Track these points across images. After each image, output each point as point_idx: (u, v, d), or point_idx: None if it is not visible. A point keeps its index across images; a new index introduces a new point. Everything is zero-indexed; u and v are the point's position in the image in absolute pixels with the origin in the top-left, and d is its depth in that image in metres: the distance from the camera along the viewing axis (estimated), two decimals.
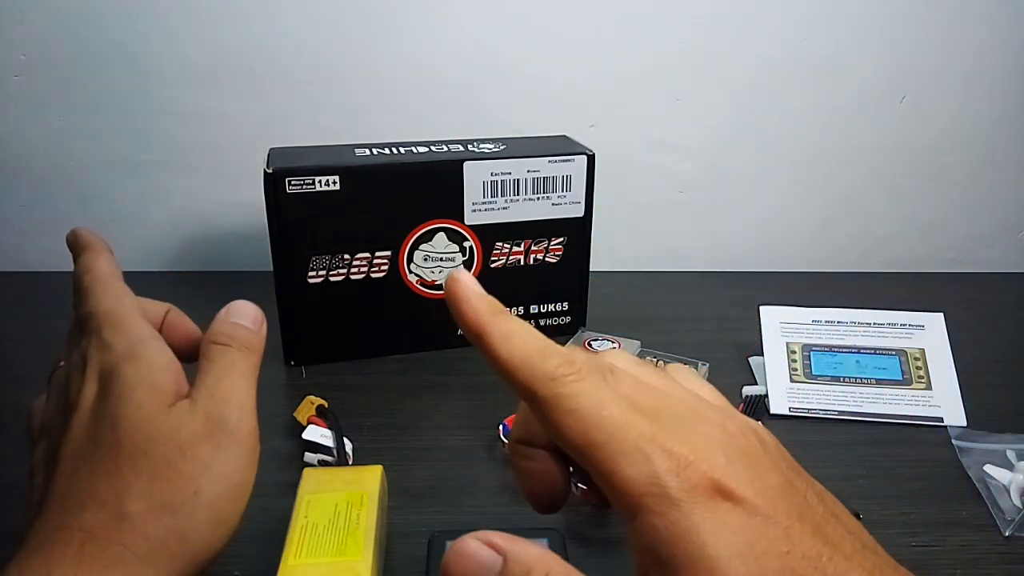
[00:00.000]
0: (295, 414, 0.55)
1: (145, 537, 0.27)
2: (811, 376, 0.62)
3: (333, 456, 0.50)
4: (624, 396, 0.25)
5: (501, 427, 0.54)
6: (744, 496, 0.23)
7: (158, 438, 0.29)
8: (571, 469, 0.50)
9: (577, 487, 0.49)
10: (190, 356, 0.34)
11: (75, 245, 0.36)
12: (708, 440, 0.24)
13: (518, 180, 0.64)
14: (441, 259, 0.65)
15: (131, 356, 0.30)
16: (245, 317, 0.34)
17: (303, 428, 0.52)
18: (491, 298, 0.27)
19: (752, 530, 0.22)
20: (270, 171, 0.58)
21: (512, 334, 0.26)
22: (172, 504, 0.28)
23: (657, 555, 0.22)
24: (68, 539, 0.27)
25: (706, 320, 0.74)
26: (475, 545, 0.24)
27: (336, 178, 0.60)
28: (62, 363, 0.34)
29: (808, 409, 0.60)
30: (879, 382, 0.61)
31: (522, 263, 0.67)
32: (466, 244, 0.65)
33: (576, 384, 0.25)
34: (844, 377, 0.62)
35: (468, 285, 0.27)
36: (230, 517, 0.30)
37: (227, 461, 0.30)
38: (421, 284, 0.65)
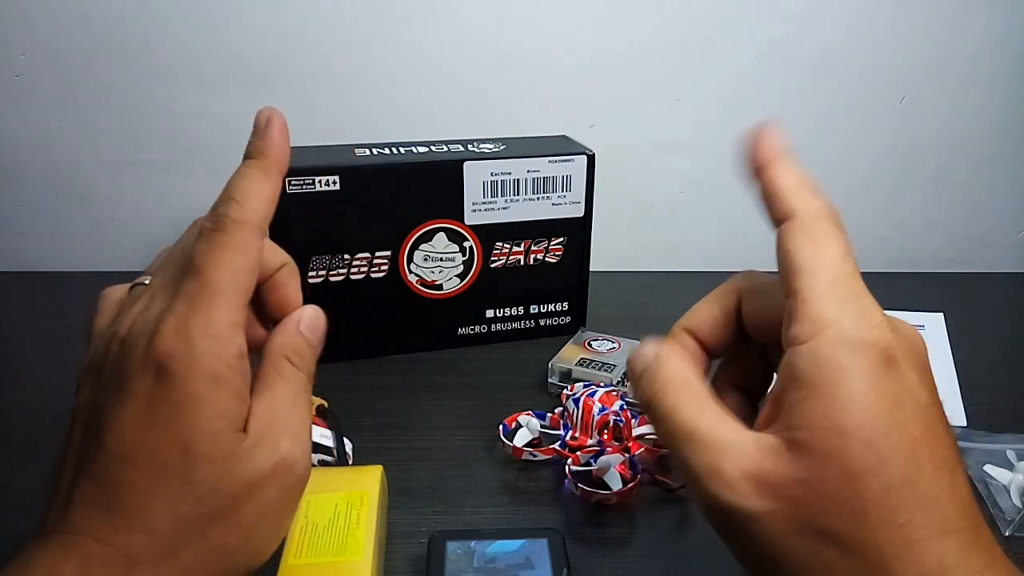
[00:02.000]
0: None
1: (188, 574, 0.26)
2: None
3: (333, 456, 0.50)
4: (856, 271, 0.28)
5: (501, 427, 0.54)
6: (909, 375, 0.26)
7: (231, 476, 0.26)
8: (569, 473, 0.50)
9: (578, 487, 0.49)
10: (259, 340, 0.31)
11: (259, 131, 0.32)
12: (901, 334, 0.27)
13: (518, 180, 0.64)
14: (441, 259, 0.65)
15: (208, 370, 0.26)
16: (316, 332, 0.31)
17: None
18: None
19: (904, 396, 0.25)
20: None
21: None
22: (226, 548, 0.26)
23: (804, 377, 0.25)
24: (111, 559, 0.25)
25: None
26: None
27: (336, 178, 0.60)
28: (148, 280, 0.30)
29: None
30: None
31: (522, 263, 0.67)
32: (466, 244, 0.65)
33: (832, 225, 0.29)
34: None
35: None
36: (264, 556, 0.28)
37: (284, 504, 0.28)
38: (421, 284, 0.65)
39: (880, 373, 0.25)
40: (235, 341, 0.27)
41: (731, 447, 0.26)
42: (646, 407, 0.30)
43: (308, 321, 0.31)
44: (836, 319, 0.26)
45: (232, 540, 0.26)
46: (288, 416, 0.28)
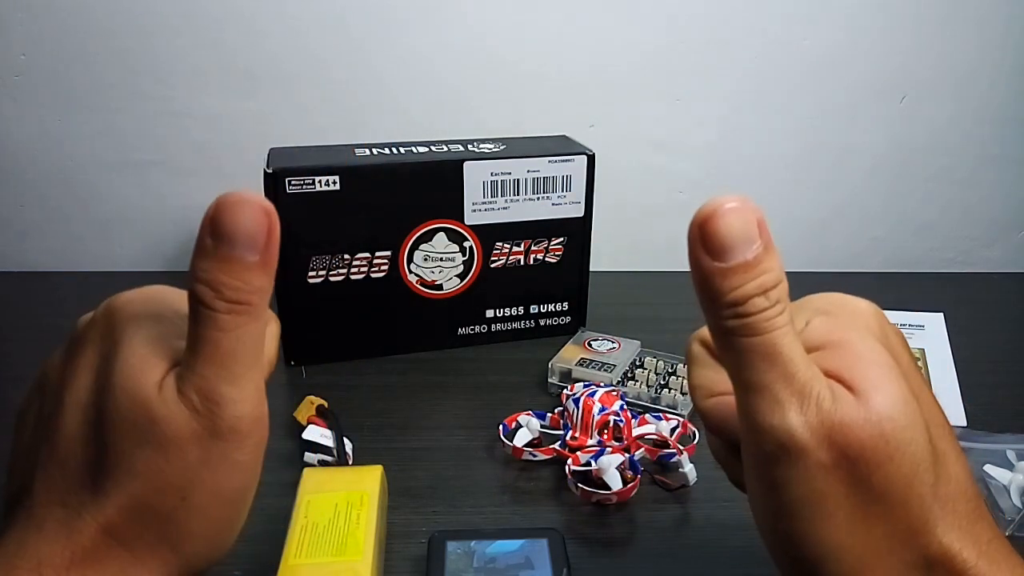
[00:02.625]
0: (295, 414, 0.55)
1: (130, 545, 0.26)
2: None
3: (333, 456, 0.50)
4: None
5: (501, 427, 0.54)
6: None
7: (141, 435, 0.25)
8: (569, 473, 0.50)
9: (578, 487, 0.49)
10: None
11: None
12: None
13: (518, 180, 0.64)
14: (441, 259, 0.65)
15: (128, 316, 0.27)
16: (244, 245, 0.25)
17: (303, 428, 0.52)
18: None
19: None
20: (270, 171, 0.58)
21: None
22: (158, 511, 0.26)
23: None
24: (55, 534, 0.25)
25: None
26: None
27: (336, 178, 0.60)
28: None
29: None
30: None
31: (522, 263, 0.67)
32: (466, 244, 0.65)
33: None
34: None
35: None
36: (229, 524, 0.28)
37: (220, 465, 0.26)
38: (421, 284, 0.65)
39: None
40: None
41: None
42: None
43: (216, 227, 0.25)
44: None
45: (166, 504, 0.26)
46: (206, 367, 0.26)
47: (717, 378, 0.30)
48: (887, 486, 0.25)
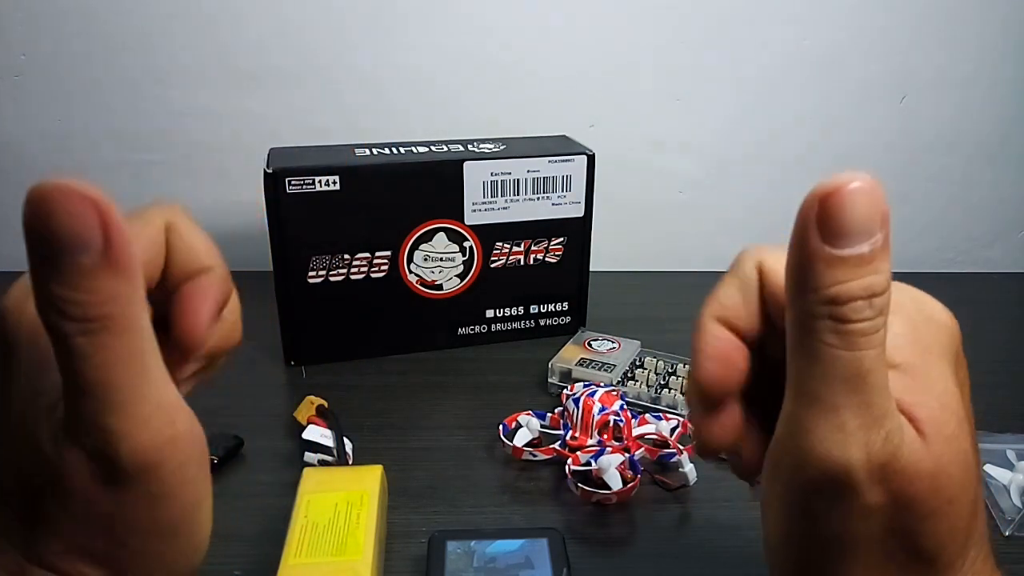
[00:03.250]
0: (295, 414, 0.55)
1: None
2: None
3: (333, 456, 0.50)
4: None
5: (501, 427, 0.54)
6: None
7: (50, 489, 0.22)
8: (569, 473, 0.50)
9: (578, 487, 0.49)
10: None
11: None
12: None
13: (518, 180, 0.64)
14: (441, 259, 0.65)
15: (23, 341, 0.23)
16: (71, 247, 0.19)
17: (303, 428, 0.52)
18: None
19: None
20: (270, 171, 0.58)
21: None
22: (94, 555, 0.23)
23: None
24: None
25: None
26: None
27: (336, 178, 0.59)
28: None
29: None
30: None
31: (522, 263, 0.67)
32: (466, 244, 0.65)
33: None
34: None
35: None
36: (184, 551, 0.24)
37: (139, 504, 0.22)
38: (421, 284, 0.65)
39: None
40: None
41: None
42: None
43: (43, 218, 0.20)
44: None
45: (99, 546, 0.23)
46: (81, 400, 0.21)
47: (742, 304, 0.26)
48: (928, 538, 0.23)
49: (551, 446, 0.53)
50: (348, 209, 0.61)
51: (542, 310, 0.70)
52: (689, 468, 0.50)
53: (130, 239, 0.20)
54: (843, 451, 0.21)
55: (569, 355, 0.63)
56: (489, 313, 0.68)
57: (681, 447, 0.51)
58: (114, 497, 0.22)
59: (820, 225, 0.21)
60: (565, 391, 0.57)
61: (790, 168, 0.85)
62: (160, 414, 0.22)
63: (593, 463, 0.49)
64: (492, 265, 0.66)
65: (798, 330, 0.22)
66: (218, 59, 0.76)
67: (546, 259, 0.68)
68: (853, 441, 0.21)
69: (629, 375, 0.62)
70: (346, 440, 0.52)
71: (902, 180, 0.87)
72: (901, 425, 0.22)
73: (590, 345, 0.65)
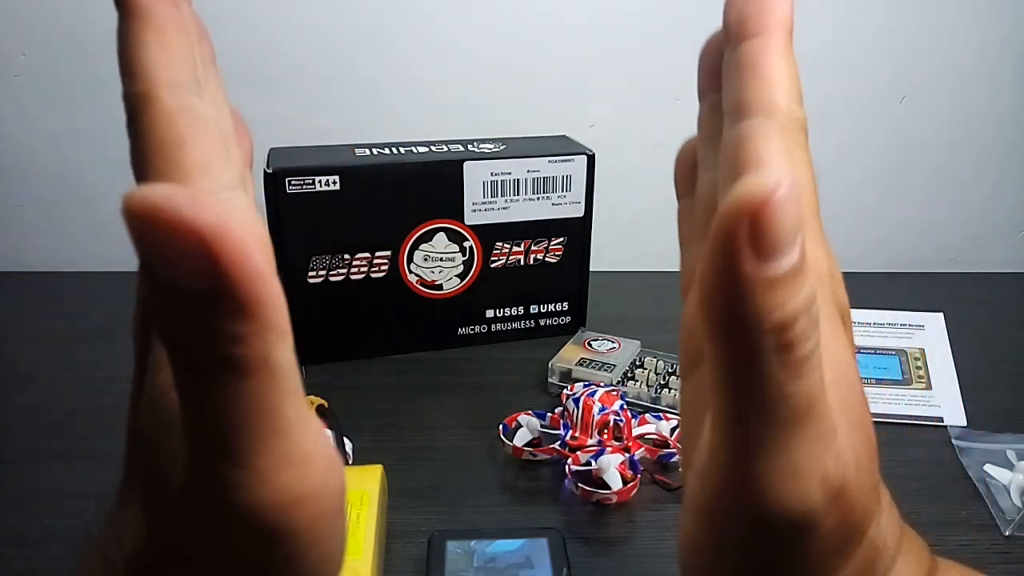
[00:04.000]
0: None
1: None
2: None
3: None
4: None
5: (501, 427, 0.54)
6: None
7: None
8: (569, 473, 0.50)
9: (578, 487, 0.49)
10: None
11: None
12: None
13: (518, 180, 0.64)
14: (441, 259, 0.65)
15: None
16: (186, 273, 0.15)
17: None
18: None
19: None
20: (270, 171, 0.58)
21: None
22: None
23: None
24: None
25: None
26: None
27: (336, 178, 0.60)
28: None
29: None
30: (879, 382, 0.61)
31: (522, 263, 0.67)
32: (466, 244, 0.65)
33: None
34: None
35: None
36: None
37: (254, 563, 0.18)
38: (421, 284, 0.65)
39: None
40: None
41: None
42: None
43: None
44: None
45: None
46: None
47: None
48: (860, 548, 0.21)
49: (551, 446, 0.53)
50: (348, 209, 0.61)
51: (542, 310, 0.70)
52: None
53: (268, 273, 0.16)
54: (801, 497, 0.18)
55: (569, 355, 0.63)
56: (489, 313, 0.68)
57: (681, 447, 0.51)
58: (231, 556, 0.18)
59: (754, 245, 0.16)
60: (565, 391, 0.57)
61: None
62: (290, 469, 0.17)
63: (593, 463, 0.49)
64: (492, 265, 0.66)
65: (734, 371, 0.18)
66: (218, 59, 0.76)
67: (546, 259, 0.68)
68: (808, 482, 0.18)
69: (629, 375, 0.62)
70: (346, 440, 0.52)
71: (902, 180, 0.87)
72: (837, 433, 0.19)
73: (590, 345, 0.65)
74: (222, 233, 0.15)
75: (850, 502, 0.19)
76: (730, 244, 0.16)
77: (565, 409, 0.55)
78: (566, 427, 0.54)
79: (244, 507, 0.17)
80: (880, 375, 0.62)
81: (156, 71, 0.19)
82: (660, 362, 0.63)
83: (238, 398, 0.16)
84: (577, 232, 0.67)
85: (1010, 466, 0.52)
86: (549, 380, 0.62)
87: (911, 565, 0.23)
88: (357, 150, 0.63)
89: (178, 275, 0.15)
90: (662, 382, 0.61)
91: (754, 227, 0.16)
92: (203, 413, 0.17)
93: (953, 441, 0.56)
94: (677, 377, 0.62)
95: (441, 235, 0.64)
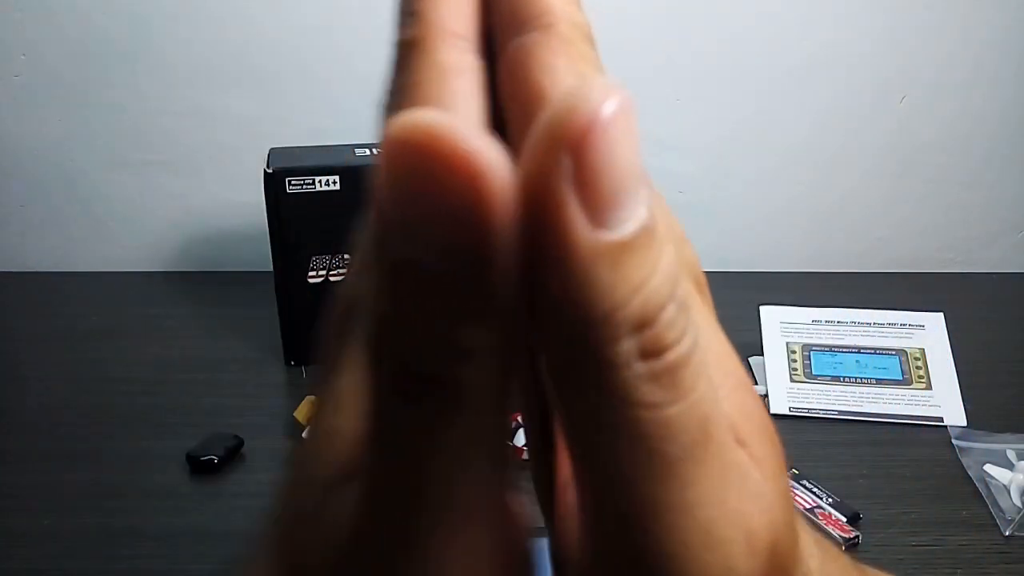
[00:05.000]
0: (295, 414, 0.55)
1: None
2: (811, 376, 0.62)
3: None
4: None
5: None
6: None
7: None
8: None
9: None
10: None
11: None
12: None
13: None
14: None
15: None
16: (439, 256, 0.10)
17: (303, 428, 0.52)
18: None
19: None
20: (270, 171, 0.58)
21: None
22: None
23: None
24: None
25: None
26: None
27: (336, 178, 0.59)
28: None
29: (808, 409, 0.60)
30: (879, 382, 0.61)
31: None
32: None
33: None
34: (844, 377, 0.62)
35: None
36: None
37: None
38: None
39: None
40: None
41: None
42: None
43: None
44: None
45: None
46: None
47: None
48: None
49: None
50: (348, 209, 0.61)
51: None
52: None
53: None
54: (723, 561, 0.13)
55: None
56: None
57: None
58: None
59: (583, 199, 0.11)
60: None
61: (789, 168, 0.85)
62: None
63: None
64: None
65: (586, 410, 0.12)
66: (219, 60, 0.76)
67: None
68: (729, 545, 0.13)
69: None
70: None
71: (902, 180, 0.87)
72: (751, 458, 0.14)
73: None
74: (504, 185, 0.10)
75: (781, 556, 0.14)
76: (546, 204, 0.11)
77: None
78: None
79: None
80: (880, 375, 0.62)
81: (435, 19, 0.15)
82: None
83: (449, 440, 0.12)
84: None
85: (1010, 466, 0.52)
86: None
87: None
88: (357, 150, 0.63)
89: (442, 233, 0.10)
90: None
91: (579, 172, 0.11)
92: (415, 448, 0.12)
93: (953, 441, 0.56)
94: None
95: None
